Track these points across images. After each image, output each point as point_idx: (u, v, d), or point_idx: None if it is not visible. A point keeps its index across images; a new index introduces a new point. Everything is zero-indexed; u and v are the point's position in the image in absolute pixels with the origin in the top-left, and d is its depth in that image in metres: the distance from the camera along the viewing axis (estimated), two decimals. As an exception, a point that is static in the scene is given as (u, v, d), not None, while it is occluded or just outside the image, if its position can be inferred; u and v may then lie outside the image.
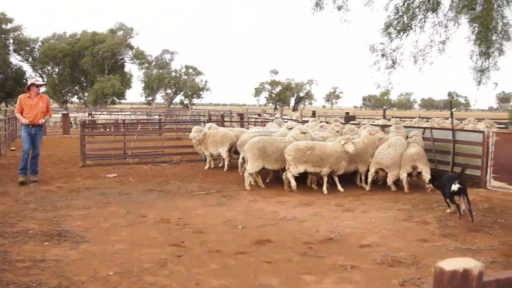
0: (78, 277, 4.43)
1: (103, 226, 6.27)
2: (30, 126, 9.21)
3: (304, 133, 9.29)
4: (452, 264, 1.39)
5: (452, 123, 10.15)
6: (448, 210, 7.14)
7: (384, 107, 29.90)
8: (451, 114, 10.24)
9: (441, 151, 9.92)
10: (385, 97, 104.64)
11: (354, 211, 7.38)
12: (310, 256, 5.16)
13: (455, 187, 6.68)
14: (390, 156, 8.82)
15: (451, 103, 13.58)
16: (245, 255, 5.18)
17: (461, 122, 13.35)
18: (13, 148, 15.89)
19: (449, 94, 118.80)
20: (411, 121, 15.34)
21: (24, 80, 57.15)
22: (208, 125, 12.32)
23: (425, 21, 16.20)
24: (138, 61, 62.64)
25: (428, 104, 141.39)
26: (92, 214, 6.95)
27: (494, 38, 12.17)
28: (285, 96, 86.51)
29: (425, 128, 10.73)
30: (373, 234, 6.06)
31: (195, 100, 78.54)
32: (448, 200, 6.98)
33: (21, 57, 58.52)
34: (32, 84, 9.40)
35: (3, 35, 54.74)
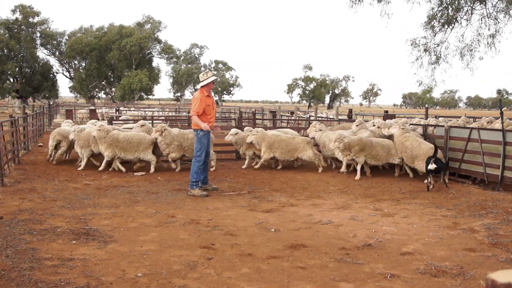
0: (106, 278, 4.54)
1: (131, 226, 6.40)
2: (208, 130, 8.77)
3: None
4: (505, 276, 1.35)
5: (502, 123, 9.84)
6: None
7: (426, 105, 29.28)
8: (501, 113, 9.94)
9: (489, 153, 9.64)
10: (427, 95, 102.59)
11: (394, 216, 7.28)
12: (347, 262, 5.12)
13: (431, 166, 9.01)
14: None
15: (501, 102, 13.18)
16: (278, 259, 5.19)
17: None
18: (41, 144, 16.40)
19: (499, 92, 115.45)
20: (457, 120, 14.97)
21: (51, 75, 59.14)
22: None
23: (472, 13, 15.82)
24: (166, 56, 63.58)
25: (475, 102, 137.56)
26: (120, 213, 7.10)
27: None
28: (320, 93, 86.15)
29: (471, 128, 10.46)
30: (414, 241, 5.96)
31: (225, 97, 79.28)
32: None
33: (48, 51, 60.49)
34: (213, 81, 8.86)
35: (30, 29, 56.63)
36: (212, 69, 75.43)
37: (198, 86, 9.01)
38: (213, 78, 8.88)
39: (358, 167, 10.64)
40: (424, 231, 6.44)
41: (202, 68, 73.38)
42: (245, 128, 12.14)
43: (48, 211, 7.03)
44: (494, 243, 5.87)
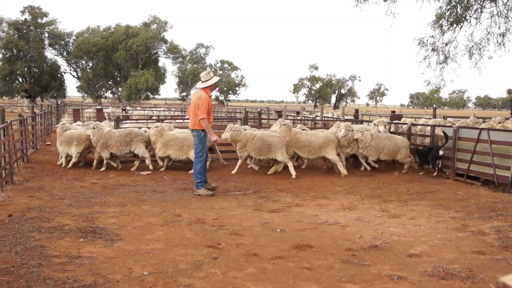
0: (113, 276, 4.55)
1: (138, 225, 6.42)
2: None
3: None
4: (518, 279, 1.33)
5: (512, 124, 9.76)
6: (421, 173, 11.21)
7: (434, 105, 29.12)
8: None
9: (499, 154, 9.56)
10: (435, 95, 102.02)
11: (401, 218, 7.24)
12: (353, 263, 5.10)
13: (441, 153, 10.60)
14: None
15: (511, 102, 13.07)
16: (283, 259, 5.18)
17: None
18: (49, 142, 16.49)
19: (509, 91, 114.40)
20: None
21: (59, 75, 59.47)
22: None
23: (481, 12, 15.70)
24: (172, 56, 63.62)
25: (484, 102, 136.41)
26: (127, 211, 7.13)
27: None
28: (326, 93, 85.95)
29: (481, 128, 10.38)
30: (422, 243, 5.92)
31: (231, 96, 79.23)
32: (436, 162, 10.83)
33: (56, 52, 60.77)
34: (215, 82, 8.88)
35: (38, 30, 56.96)
36: (218, 68, 75.50)
37: (200, 85, 8.87)
38: (217, 79, 8.90)
39: (241, 161, 11.09)
40: (432, 233, 6.40)
41: (208, 68, 73.47)
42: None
43: (56, 209, 7.07)
44: (504, 246, 5.81)
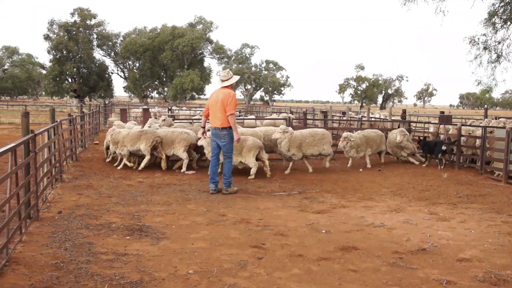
0: (159, 274, 4.66)
1: (183, 223, 6.54)
2: None
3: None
4: None
5: None
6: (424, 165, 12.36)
7: (486, 106, 28.12)
8: None
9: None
10: (486, 95, 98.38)
11: (451, 221, 7.03)
12: (400, 267, 5.01)
13: (444, 147, 11.72)
14: None
15: None
16: (329, 261, 5.15)
17: None
18: (97, 142, 17.05)
19: None
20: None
21: (107, 75, 61.48)
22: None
23: (538, 8, 14.95)
24: (218, 56, 64.38)
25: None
26: (172, 210, 7.27)
27: None
28: (372, 93, 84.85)
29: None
30: (472, 247, 5.74)
31: (276, 97, 79.41)
32: (438, 156, 11.88)
33: (104, 52, 62.87)
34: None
35: (87, 31, 59.10)
36: (263, 68, 75.78)
37: (221, 84, 8.90)
38: (237, 77, 9.13)
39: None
40: (483, 237, 6.19)
41: (253, 69, 73.87)
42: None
43: (104, 207, 7.30)
44: (561, 252, 5.55)
